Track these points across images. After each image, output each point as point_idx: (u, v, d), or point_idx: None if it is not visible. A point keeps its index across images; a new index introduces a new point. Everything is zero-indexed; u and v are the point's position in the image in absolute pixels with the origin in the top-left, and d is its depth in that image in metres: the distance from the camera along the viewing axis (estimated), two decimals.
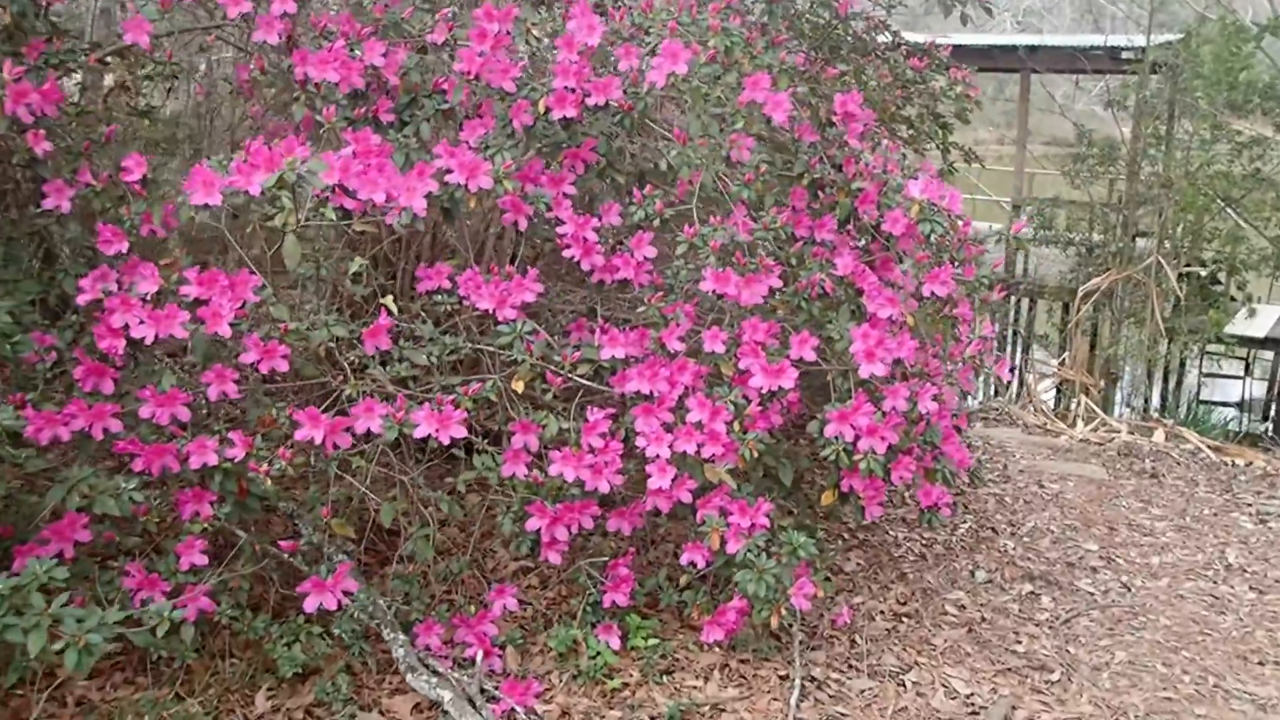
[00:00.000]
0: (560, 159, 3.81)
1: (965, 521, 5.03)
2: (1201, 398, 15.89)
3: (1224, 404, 16.11)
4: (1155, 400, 14.47)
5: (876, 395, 3.68)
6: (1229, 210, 13.86)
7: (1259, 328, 15.37)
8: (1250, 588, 4.54)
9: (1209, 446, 8.90)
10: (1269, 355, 15.33)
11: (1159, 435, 9.28)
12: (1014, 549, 4.79)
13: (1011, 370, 12.53)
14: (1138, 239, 13.50)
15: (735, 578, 3.32)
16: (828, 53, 5.52)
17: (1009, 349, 13.66)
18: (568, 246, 3.67)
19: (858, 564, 4.46)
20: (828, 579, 4.01)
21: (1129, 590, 4.49)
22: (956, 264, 4.01)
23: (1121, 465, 6.72)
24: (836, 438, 3.51)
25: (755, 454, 3.43)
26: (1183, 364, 16.37)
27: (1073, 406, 10.75)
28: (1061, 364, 12.31)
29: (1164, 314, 12.41)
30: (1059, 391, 14.04)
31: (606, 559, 3.65)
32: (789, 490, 3.94)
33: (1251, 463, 8.42)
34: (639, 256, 3.70)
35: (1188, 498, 5.86)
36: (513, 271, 3.57)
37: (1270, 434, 14.63)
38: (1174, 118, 13.36)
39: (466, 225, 4.13)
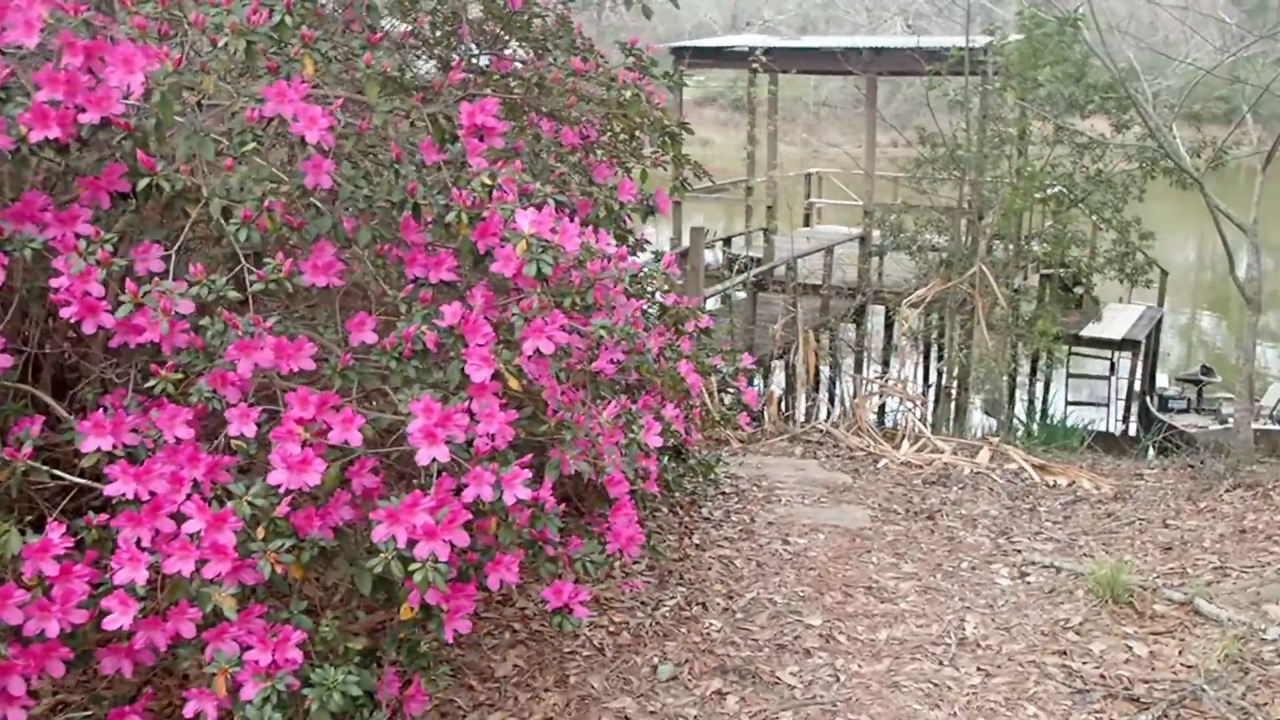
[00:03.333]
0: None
1: (673, 597, 4.33)
2: (1071, 399, 15.69)
3: (1093, 404, 15.89)
4: (1013, 409, 14.12)
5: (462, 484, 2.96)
6: (1084, 212, 13.57)
7: (1117, 330, 15.16)
8: (978, 669, 3.90)
9: (1033, 466, 8.43)
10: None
11: (983, 455, 8.80)
12: (719, 631, 4.10)
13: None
14: (995, 243, 13.14)
15: None
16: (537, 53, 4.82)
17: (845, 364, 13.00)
18: (66, 304, 2.88)
19: (515, 665, 3.73)
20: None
21: (838, 680, 3.82)
22: (583, 310, 3.31)
23: (904, 503, 6.11)
24: (387, 542, 2.76)
25: (279, 569, 2.69)
26: (1051, 367, 16.12)
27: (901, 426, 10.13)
28: (893, 380, 11.76)
29: (1008, 321, 11.95)
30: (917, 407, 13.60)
31: (105, 708, 2.86)
32: (384, 596, 3.20)
33: (1074, 482, 7.95)
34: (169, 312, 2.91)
35: (954, 545, 5.25)
36: None
37: (1125, 435, 14.37)
38: (1025, 119, 13.01)
39: None
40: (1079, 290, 15.68)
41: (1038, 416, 14.91)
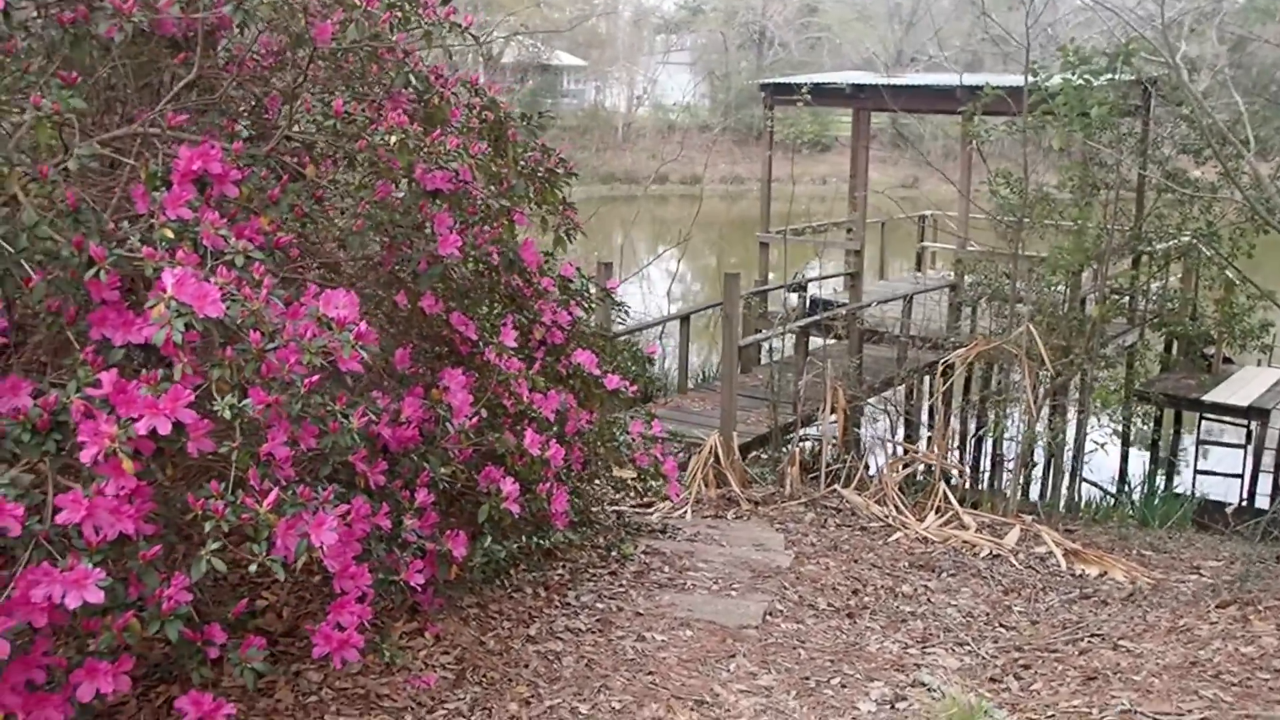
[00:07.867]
0: None
1: (462, 699, 3.85)
2: (1200, 467, 14.56)
3: (1223, 474, 14.66)
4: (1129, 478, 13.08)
5: None
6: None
7: (1245, 396, 13.87)
8: None
9: (1065, 551, 7.67)
10: None
11: (1012, 536, 8.07)
12: None
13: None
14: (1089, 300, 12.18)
15: None
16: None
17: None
18: None
19: None
20: None
21: None
22: (236, 388, 2.92)
23: (844, 595, 5.48)
24: None
25: None
26: (1178, 432, 14.93)
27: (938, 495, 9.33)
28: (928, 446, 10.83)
29: (1086, 382, 10.93)
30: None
31: None
32: None
33: (1104, 573, 7.18)
34: None
35: (847, 653, 4.61)
36: None
37: (1235, 509, 13.06)
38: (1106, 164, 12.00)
39: None
40: (1211, 351, 14.48)
41: (1160, 484, 13.75)
